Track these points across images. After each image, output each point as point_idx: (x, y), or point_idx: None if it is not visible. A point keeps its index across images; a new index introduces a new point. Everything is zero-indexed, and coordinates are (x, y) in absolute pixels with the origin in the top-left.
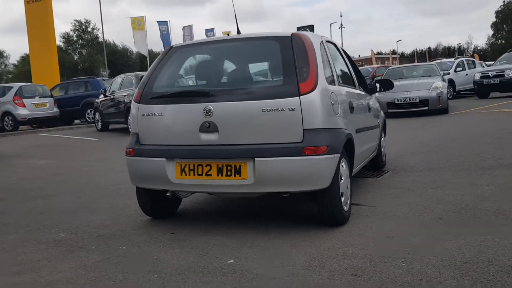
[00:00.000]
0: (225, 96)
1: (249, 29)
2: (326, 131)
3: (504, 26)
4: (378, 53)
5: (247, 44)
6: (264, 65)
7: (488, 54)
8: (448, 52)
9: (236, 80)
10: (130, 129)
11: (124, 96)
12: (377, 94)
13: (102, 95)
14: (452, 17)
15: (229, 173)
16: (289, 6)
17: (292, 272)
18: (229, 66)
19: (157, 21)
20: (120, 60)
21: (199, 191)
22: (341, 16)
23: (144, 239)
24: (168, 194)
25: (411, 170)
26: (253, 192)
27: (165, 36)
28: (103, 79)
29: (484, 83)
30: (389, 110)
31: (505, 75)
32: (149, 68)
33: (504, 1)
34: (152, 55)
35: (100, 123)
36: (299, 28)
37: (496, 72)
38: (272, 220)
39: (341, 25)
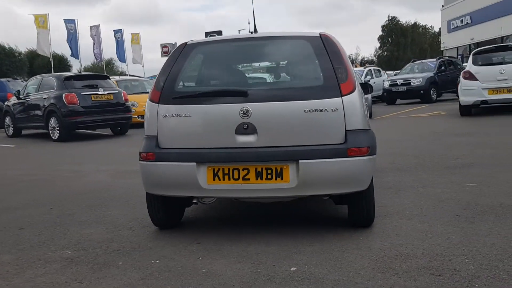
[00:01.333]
0: (263, 96)
1: (146, 32)
2: (364, 132)
3: (389, 39)
4: None
5: (275, 42)
6: (297, 65)
7: (376, 65)
8: None
9: (272, 80)
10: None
11: (44, 99)
12: None
13: (14, 98)
14: (339, 29)
15: (269, 176)
16: (185, 11)
17: (369, 276)
18: (260, 65)
19: (64, 19)
20: (5, 61)
21: (235, 196)
22: (249, 23)
23: (171, 251)
24: (195, 201)
25: (382, 171)
26: (295, 195)
27: (73, 36)
28: (8, 81)
29: (392, 90)
30: None
31: (411, 83)
32: (163, 67)
33: (388, 16)
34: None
35: (11, 128)
36: (207, 34)
37: (404, 81)
38: (293, 223)
39: (249, 31)
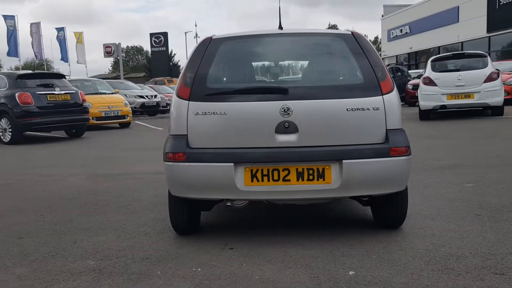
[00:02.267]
0: (304, 93)
1: (86, 32)
2: (402, 132)
3: None
4: None
5: (308, 39)
6: (334, 63)
7: None
8: None
9: (312, 77)
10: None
11: None
12: None
13: None
14: None
15: (311, 177)
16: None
17: (434, 277)
18: (296, 62)
19: (3, 15)
20: None
21: (274, 198)
22: (196, 25)
23: (207, 258)
24: (229, 204)
25: None
26: (337, 196)
27: (12, 33)
28: None
29: None
30: None
31: None
32: (189, 62)
33: (329, 24)
34: None
35: None
36: (152, 35)
37: None
38: (319, 225)
39: (196, 34)
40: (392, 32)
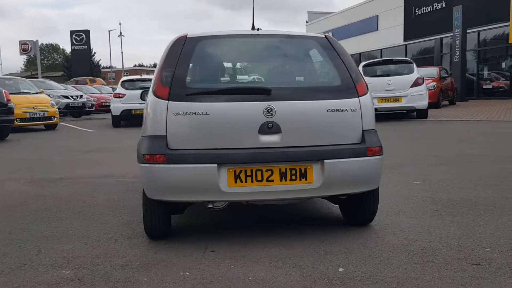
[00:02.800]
0: (287, 94)
1: None
2: (375, 132)
3: None
4: (140, 65)
5: (284, 41)
6: (311, 64)
7: None
8: None
9: (292, 79)
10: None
11: None
12: None
13: None
14: None
15: (293, 177)
16: (34, 7)
17: (420, 270)
18: (274, 63)
19: None
20: None
21: (258, 199)
22: (120, 24)
23: (191, 261)
24: (210, 206)
25: None
26: (318, 196)
27: None
28: None
29: None
30: None
31: None
32: (165, 60)
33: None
34: None
35: None
36: (73, 32)
37: None
38: (289, 224)
39: (121, 33)
40: None
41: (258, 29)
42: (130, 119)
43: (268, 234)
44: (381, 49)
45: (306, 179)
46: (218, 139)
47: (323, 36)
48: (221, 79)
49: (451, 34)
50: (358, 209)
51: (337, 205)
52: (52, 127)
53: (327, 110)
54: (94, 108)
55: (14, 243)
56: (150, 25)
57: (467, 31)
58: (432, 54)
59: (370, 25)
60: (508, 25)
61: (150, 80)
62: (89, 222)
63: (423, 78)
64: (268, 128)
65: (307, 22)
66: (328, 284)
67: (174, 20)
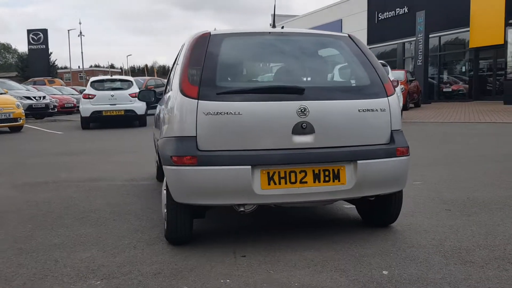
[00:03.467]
0: (320, 94)
1: None
2: (402, 133)
3: None
4: (96, 66)
5: (309, 40)
6: (340, 64)
7: None
8: (165, 70)
9: (323, 78)
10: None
11: None
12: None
13: None
14: (163, 37)
15: (327, 178)
16: None
17: (462, 271)
18: (302, 62)
19: None
20: None
21: (291, 201)
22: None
23: (226, 268)
24: (242, 209)
25: None
26: (350, 197)
27: None
28: None
29: None
30: None
31: None
32: (190, 58)
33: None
34: None
35: None
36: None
37: None
38: (310, 227)
39: (81, 32)
40: None
41: (282, 27)
42: (100, 121)
43: (293, 237)
44: None
45: (339, 180)
46: (251, 139)
47: (347, 35)
48: (251, 77)
49: (414, 38)
50: (383, 210)
51: (353, 206)
52: (17, 129)
53: (359, 110)
54: (56, 110)
55: (25, 253)
56: (106, 25)
57: (429, 35)
58: (394, 58)
59: (334, 28)
60: (468, 31)
61: (120, 80)
62: (97, 229)
63: (397, 81)
64: (302, 128)
65: (270, 25)
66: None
67: (131, 20)
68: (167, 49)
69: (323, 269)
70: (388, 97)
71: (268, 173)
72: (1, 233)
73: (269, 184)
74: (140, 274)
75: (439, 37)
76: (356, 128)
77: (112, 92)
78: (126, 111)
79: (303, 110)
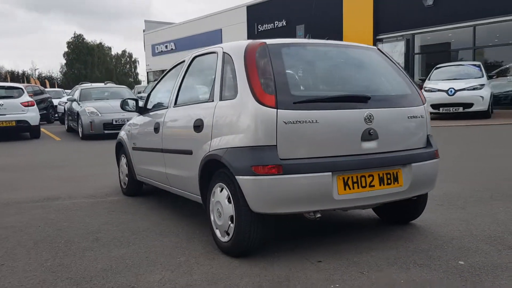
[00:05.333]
0: (380, 102)
1: None
2: (433, 137)
3: (75, 56)
4: None
5: (352, 51)
6: (384, 73)
7: (63, 82)
8: (13, 76)
9: (380, 87)
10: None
11: None
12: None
13: None
14: (5, 40)
15: (389, 181)
16: None
17: None
18: (358, 71)
19: None
20: None
21: (362, 204)
22: None
23: (323, 274)
24: (319, 215)
25: None
26: (405, 197)
27: None
28: None
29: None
30: (106, 131)
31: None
32: (257, 67)
33: (74, 33)
34: None
35: None
36: None
37: None
38: (341, 229)
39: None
40: (157, 47)
41: (327, 38)
42: None
43: (343, 240)
44: None
45: (398, 183)
46: (327, 147)
47: (376, 47)
48: (318, 86)
49: None
50: (413, 208)
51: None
52: None
53: (408, 117)
54: None
55: (85, 282)
56: None
57: None
58: None
59: (214, 38)
60: None
61: (8, 88)
62: (130, 249)
63: None
64: (369, 134)
65: (144, 31)
66: (479, 275)
67: None
68: (10, 52)
69: (409, 265)
70: (424, 105)
71: (344, 178)
72: (21, 266)
73: (344, 189)
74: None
75: None
76: (407, 134)
77: (0, 101)
78: (18, 121)
79: (369, 117)
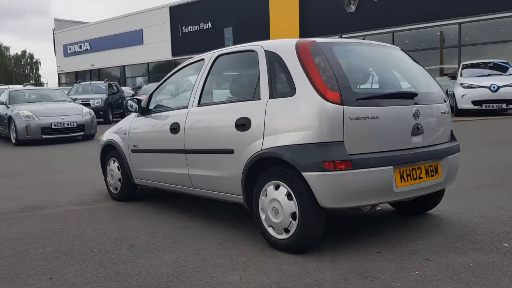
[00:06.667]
0: (423, 98)
1: None
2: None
3: None
4: None
5: (392, 51)
6: (416, 71)
7: None
8: None
9: (421, 83)
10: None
11: None
12: None
13: None
14: None
15: (432, 173)
16: None
17: None
18: (399, 68)
19: None
20: None
21: (413, 196)
22: None
23: (391, 265)
24: (379, 208)
25: None
26: (441, 188)
27: None
28: None
29: None
30: (44, 136)
31: (91, 104)
32: (317, 64)
33: None
34: None
35: None
36: None
37: (82, 101)
38: (365, 226)
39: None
40: (70, 48)
41: (363, 38)
42: None
43: (378, 232)
44: (147, 63)
45: (438, 174)
46: (385, 141)
47: (398, 47)
48: (373, 83)
49: None
50: (433, 200)
51: None
52: None
53: (441, 112)
54: None
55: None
56: None
57: None
58: None
59: (135, 38)
60: None
61: None
62: (180, 253)
63: None
64: (417, 129)
65: (54, 30)
66: None
67: None
68: None
69: (461, 250)
70: (446, 103)
71: (400, 171)
72: (74, 278)
73: (401, 181)
74: (332, 283)
75: None
76: (440, 128)
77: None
78: None
79: (417, 113)
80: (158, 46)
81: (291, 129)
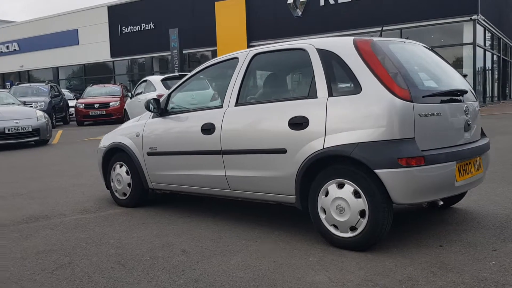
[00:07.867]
0: (469, 95)
1: None
2: None
3: None
4: None
5: (427, 50)
6: (450, 70)
7: None
8: None
9: (462, 81)
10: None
11: None
12: None
13: None
14: None
15: (477, 167)
16: None
17: None
18: (441, 67)
19: None
20: None
21: (466, 190)
22: None
23: (465, 260)
24: (441, 203)
25: None
26: (479, 184)
27: None
28: None
29: None
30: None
31: (33, 107)
32: (384, 62)
33: None
34: None
35: None
36: None
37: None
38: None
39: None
40: None
41: (407, 38)
42: None
43: (419, 226)
44: (84, 64)
45: (481, 169)
46: (447, 137)
47: (423, 44)
48: (427, 80)
49: (165, 53)
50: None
51: None
52: None
53: (477, 109)
54: None
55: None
56: None
57: (183, 51)
58: (143, 72)
59: (69, 38)
60: (215, 49)
61: None
62: (244, 256)
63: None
64: (468, 125)
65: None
66: None
67: None
68: None
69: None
70: (477, 101)
71: (459, 166)
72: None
73: (459, 176)
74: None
75: (192, 54)
76: (478, 125)
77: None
78: None
79: (467, 109)
80: (95, 47)
81: (358, 127)
